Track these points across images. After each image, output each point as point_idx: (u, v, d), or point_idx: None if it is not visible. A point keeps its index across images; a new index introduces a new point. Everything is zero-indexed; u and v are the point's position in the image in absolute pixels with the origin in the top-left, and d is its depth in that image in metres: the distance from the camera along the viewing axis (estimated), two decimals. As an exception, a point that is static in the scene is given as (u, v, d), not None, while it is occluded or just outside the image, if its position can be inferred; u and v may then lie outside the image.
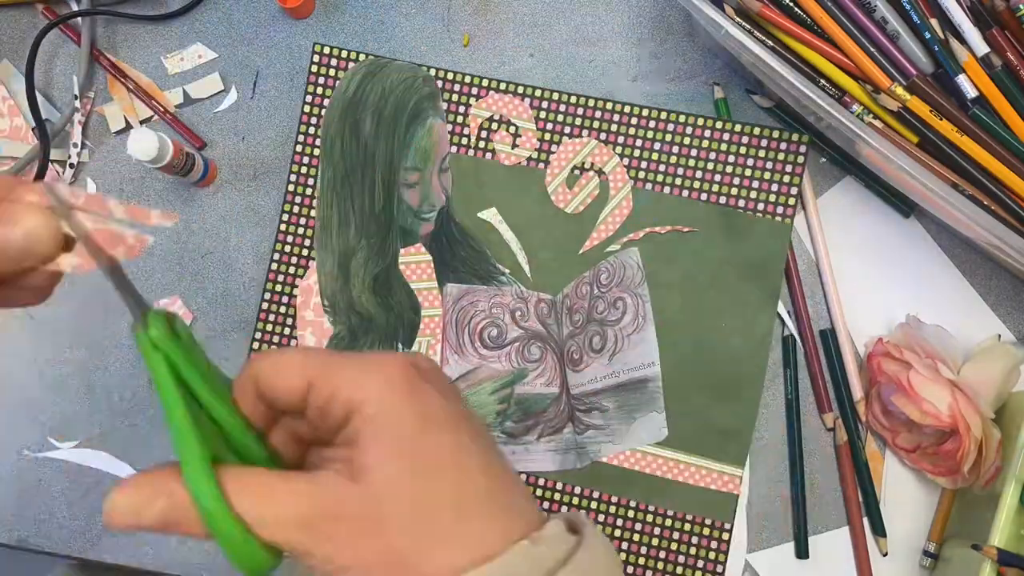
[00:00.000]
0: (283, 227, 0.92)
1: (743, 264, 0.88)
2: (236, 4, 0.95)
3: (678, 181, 0.89)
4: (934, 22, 0.76)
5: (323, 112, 0.92)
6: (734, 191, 0.88)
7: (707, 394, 0.87)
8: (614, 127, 0.89)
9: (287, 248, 0.91)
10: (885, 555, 0.87)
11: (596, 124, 0.90)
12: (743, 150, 0.88)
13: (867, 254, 0.89)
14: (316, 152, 0.92)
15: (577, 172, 0.90)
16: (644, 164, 0.89)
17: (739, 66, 0.88)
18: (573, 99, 0.90)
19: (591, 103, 0.90)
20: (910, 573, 0.87)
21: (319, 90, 0.92)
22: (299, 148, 0.92)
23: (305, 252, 0.91)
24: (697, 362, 0.88)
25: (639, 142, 0.89)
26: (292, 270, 0.91)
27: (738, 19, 0.79)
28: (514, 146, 0.90)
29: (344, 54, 0.92)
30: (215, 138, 0.94)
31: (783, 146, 0.87)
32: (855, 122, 0.74)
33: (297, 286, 0.91)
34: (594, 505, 0.88)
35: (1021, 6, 0.72)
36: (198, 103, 0.94)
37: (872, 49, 0.77)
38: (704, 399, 0.87)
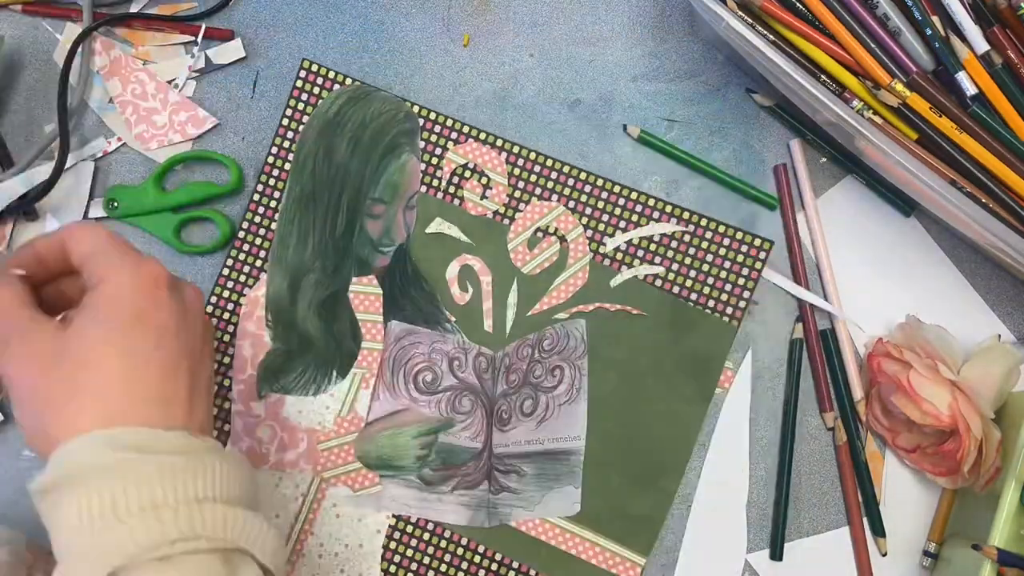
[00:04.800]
0: (241, 234, 0.91)
1: (685, 357, 0.88)
2: (236, 4, 0.95)
3: (636, 263, 0.89)
4: (935, 19, 0.77)
5: (300, 128, 0.91)
6: (688, 283, 0.88)
7: (626, 478, 0.88)
8: (584, 197, 0.89)
9: (241, 256, 0.91)
10: (885, 555, 0.87)
11: (567, 191, 0.89)
12: (704, 244, 0.88)
13: (867, 254, 0.90)
14: (287, 166, 0.91)
15: (540, 234, 0.89)
16: (606, 240, 0.89)
17: (741, 62, 0.88)
18: (549, 162, 0.90)
19: (565, 169, 0.89)
20: (910, 573, 0.87)
21: (300, 105, 0.91)
22: (271, 160, 0.91)
23: (259, 263, 0.91)
24: (622, 444, 0.88)
25: (605, 217, 0.89)
26: (243, 279, 0.91)
27: (740, 13, 0.80)
28: (483, 197, 0.90)
29: (332, 75, 0.91)
30: (215, 138, 0.93)
31: (744, 248, 0.88)
32: (855, 117, 0.75)
33: (245, 295, 0.91)
34: (495, 567, 0.88)
35: (1022, 4, 0.73)
36: (217, 71, 0.94)
37: (873, 45, 0.79)
38: (622, 482, 0.88)
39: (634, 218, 0.89)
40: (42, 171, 0.91)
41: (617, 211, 0.89)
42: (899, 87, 0.77)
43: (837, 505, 0.88)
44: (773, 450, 0.89)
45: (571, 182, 0.89)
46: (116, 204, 0.91)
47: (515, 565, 0.88)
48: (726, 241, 0.88)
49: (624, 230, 0.89)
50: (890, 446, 0.88)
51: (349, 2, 0.94)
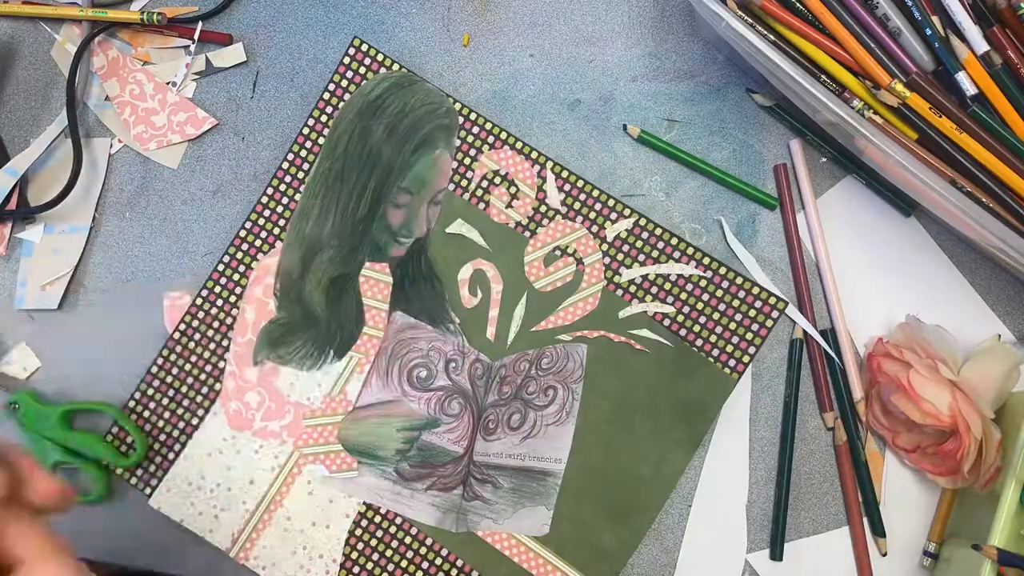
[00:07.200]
0: (264, 199, 0.92)
1: (679, 401, 0.87)
2: (236, 5, 0.96)
3: (648, 298, 0.88)
4: (935, 19, 0.77)
5: (340, 105, 0.91)
6: (696, 328, 0.88)
7: (599, 509, 0.87)
8: (608, 224, 0.89)
9: (261, 221, 0.92)
10: (885, 555, 0.87)
11: (592, 215, 0.89)
12: (719, 293, 0.88)
13: (867, 254, 0.90)
14: (320, 140, 0.91)
15: (558, 253, 0.89)
16: (622, 270, 0.89)
17: (741, 62, 0.88)
18: (580, 182, 0.89)
19: (595, 193, 0.89)
20: (910, 573, 0.87)
21: (344, 83, 0.91)
22: (306, 131, 0.92)
23: (276, 231, 0.91)
24: (602, 475, 0.88)
25: (626, 247, 0.89)
26: (258, 243, 0.92)
27: (740, 13, 0.80)
28: (508, 206, 0.90)
29: (380, 57, 0.91)
30: (215, 138, 0.95)
31: (758, 304, 0.87)
32: (855, 117, 0.75)
33: (258, 260, 0.91)
34: (454, 573, 0.88)
35: (1022, 4, 0.73)
36: (219, 72, 0.95)
37: (873, 45, 0.79)
38: (595, 513, 0.87)
39: (654, 254, 0.89)
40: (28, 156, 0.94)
41: (639, 244, 0.89)
42: (899, 87, 0.77)
43: (837, 505, 0.88)
44: (773, 450, 0.89)
45: (598, 207, 0.89)
46: (17, 407, 0.90)
47: (474, 574, 0.88)
48: (741, 293, 0.87)
49: (643, 264, 0.89)
50: (890, 446, 0.87)
51: (349, 2, 0.94)
